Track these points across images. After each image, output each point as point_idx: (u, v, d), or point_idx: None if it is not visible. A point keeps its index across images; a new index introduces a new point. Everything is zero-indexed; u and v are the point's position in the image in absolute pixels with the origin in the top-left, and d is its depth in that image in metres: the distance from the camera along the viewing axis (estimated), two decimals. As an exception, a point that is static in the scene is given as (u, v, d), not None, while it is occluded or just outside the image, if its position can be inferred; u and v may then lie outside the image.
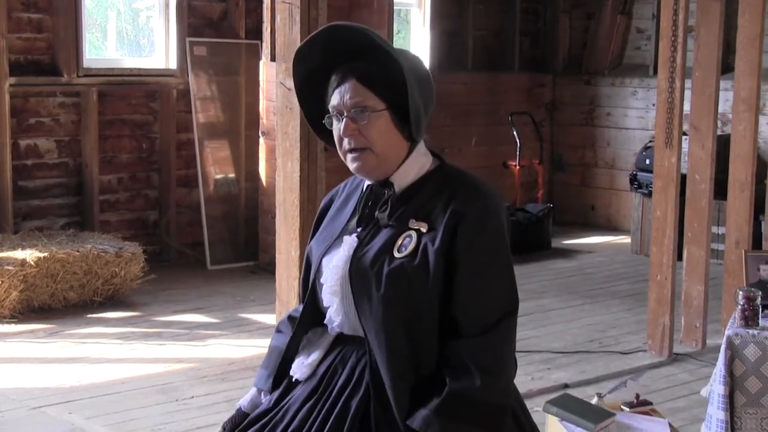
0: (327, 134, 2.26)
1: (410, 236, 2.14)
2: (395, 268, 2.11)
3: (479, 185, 2.19)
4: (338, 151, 2.22)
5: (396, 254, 2.13)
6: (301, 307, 2.37)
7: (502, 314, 2.12)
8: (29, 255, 5.91)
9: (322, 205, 2.41)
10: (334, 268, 2.19)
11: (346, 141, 2.18)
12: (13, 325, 5.75)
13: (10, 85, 6.61)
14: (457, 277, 2.10)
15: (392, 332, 2.10)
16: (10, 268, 5.76)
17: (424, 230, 2.14)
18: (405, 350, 2.10)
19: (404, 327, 2.10)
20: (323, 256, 2.24)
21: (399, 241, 2.14)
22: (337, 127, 2.19)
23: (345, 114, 2.16)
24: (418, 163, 2.23)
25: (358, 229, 2.22)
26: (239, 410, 2.36)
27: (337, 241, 2.24)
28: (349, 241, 2.20)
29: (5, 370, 5.02)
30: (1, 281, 5.73)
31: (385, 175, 2.21)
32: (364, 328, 2.14)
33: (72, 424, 4.32)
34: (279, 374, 2.31)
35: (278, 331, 2.40)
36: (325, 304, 2.22)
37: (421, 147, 2.24)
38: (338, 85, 2.17)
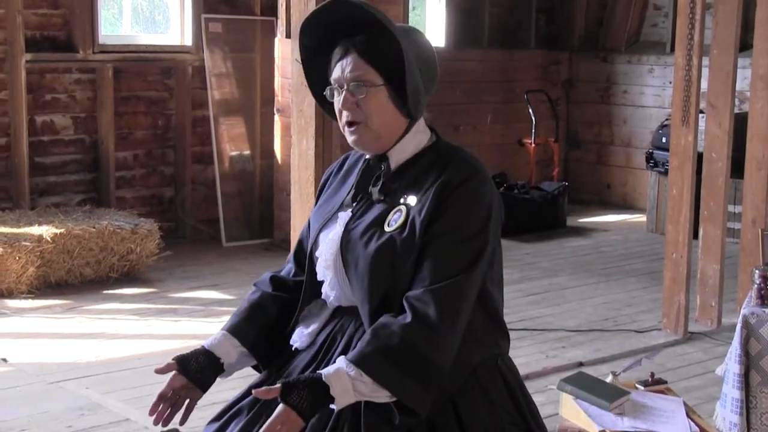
0: (330, 107, 2.29)
1: (400, 210, 2.17)
2: (384, 242, 2.14)
3: (469, 159, 2.21)
4: (339, 123, 2.25)
5: (386, 228, 2.16)
6: (284, 272, 2.43)
7: (455, 274, 2.10)
8: (46, 231, 5.94)
9: (323, 177, 2.44)
10: (329, 242, 2.23)
11: (344, 114, 2.21)
12: (30, 300, 5.79)
13: (26, 62, 6.63)
14: (427, 234, 2.11)
15: (379, 303, 2.13)
16: (27, 244, 5.80)
17: (413, 203, 2.16)
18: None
19: (392, 298, 2.12)
20: (320, 231, 2.28)
21: (390, 216, 2.17)
22: (337, 100, 2.22)
23: (345, 87, 2.19)
24: (416, 139, 2.25)
25: (353, 204, 2.25)
26: (205, 350, 2.32)
27: (334, 215, 2.27)
28: (344, 216, 2.24)
29: (22, 346, 5.05)
30: (18, 257, 5.77)
31: (382, 149, 2.23)
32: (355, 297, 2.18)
33: (89, 399, 4.35)
34: (274, 344, 2.33)
35: (255, 286, 2.44)
36: (319, 278, 2.25)
37: (420, 124, 2.26)
38: (340, 59, 2.21)
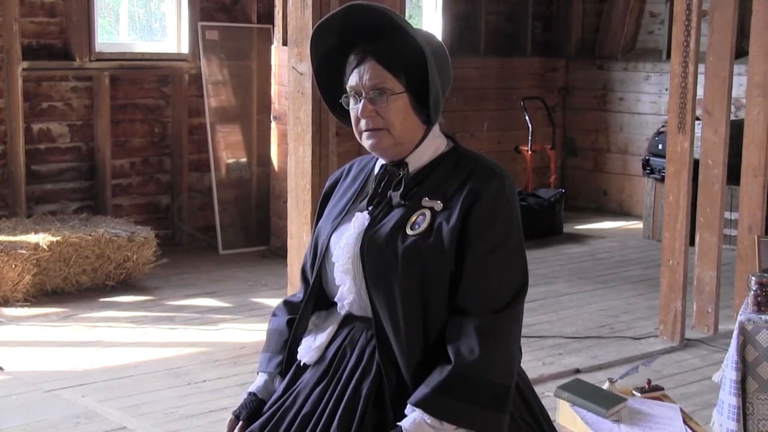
0: (342, 113, 2.25)
1: (424, 214, 2.13)
2: (409, 246, 2.10)
3: (494, 166, 2.19)
4: (354, 130, 2.22)
5: (409, 232, 2.12)
6: (299, 294, 2.37)
7: (514, 294, 2.12)
8: (42, 239, 5.93)
9: (326, 185, 2.39)
10: (345, 246, 2.17)
11: (363, 122, 2.17)
12: (26, 308, 5.78)
13: (23, 70, 6.63)
14: (471, 256, 2.09)
15: (406, 310, 2.10)
16: (23, 252, 5.79)
17: (438, 209, 2.13)
18: (418, 327, 2.11)
19: (418, 305, 2.10)
20: (331, 235, 2.23)
21: (412, 219, 2.14)
22: (355, 108, 2.18)
23: (363, 95, 2.15)
24: (434, 144, 2.22)
25: (369, 208, 2.21)
26: (255, 396, 2.29)
27: (345, 219, 2.23)
28: (361, 219, 2.19)
29: (19, 354, 5.04)
30: (15, 265, 5.76)
31: (400, 155, 2.20)
32: (376, 306, 2.12)
33: (85, 407, 4.34)
34: (286, 358, 2.30)
35: (274, 315, 2.39)
36: (337, 282, 2.20)
37: (436, 129, 2.24)
38: (357, 66, 2.16)
